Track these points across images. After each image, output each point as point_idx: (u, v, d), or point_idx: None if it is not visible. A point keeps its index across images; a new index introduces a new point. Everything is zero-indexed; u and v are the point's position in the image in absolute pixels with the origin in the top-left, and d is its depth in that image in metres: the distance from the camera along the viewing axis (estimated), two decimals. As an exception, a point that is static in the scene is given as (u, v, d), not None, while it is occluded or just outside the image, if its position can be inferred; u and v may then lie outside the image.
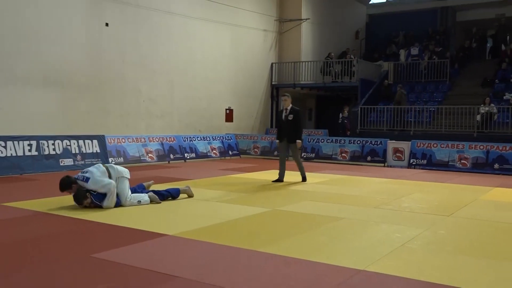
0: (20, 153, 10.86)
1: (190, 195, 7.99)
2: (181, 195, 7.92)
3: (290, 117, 10.14)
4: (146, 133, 15.41)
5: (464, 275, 4.28)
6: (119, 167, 7.32)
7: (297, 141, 10.20)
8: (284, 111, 10.31)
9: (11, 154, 10.71)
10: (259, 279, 4.08)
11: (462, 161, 13.73)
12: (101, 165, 7.22)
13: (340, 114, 18.59)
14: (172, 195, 7.76)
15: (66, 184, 6.84)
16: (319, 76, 21.28)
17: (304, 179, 10.49)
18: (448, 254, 4.93)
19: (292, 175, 11.59)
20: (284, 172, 10.44)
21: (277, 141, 10.68)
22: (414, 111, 18.27)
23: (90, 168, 7.04)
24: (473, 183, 11.03)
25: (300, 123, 10.33)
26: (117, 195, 7.05)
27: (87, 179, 6.78)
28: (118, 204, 7.06)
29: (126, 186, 7.17)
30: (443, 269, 4.42)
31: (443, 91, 20.14)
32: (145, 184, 7.95)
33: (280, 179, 10.36)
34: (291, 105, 10.28)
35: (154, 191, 7.61)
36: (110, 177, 6.99)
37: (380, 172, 13.03)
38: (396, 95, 18.81)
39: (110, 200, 6.87)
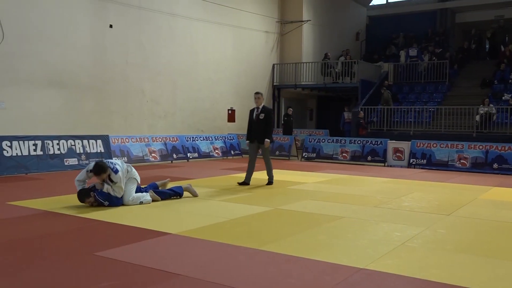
0: (25, 153, 10.96)
1: (194, 194, 8.06)
2: (185, 193, 8.02)
3: (262, 116, 9.67)
4: (149, 133, 15.51)
5: (463, 273, 4.33)
6: (135, 171, 7.47)
7: (266, 140, 9.62)
8: (256, 110, 9.80)
9: (17, 153, 10.81)
10: (260, 277, 4.13)
11: (462, 161, 13.80)
12: (124, 163, 7.38)
13: (345, 114, 18.84)
14: (176, 193, 7.86)
15: (104, 168, 6.93)
16: (320, 77, 21.38)
17: (270, 182, 9.86)
18: (448, 253, 4.99)
19: (286, 174, 11.67)
20: (252, 174, 9.88)
21: (247, 141, 10.06)
22: (414, 111, 18.35)
23: (118, 161, 7.25)
24: (473, 182, 11.08)
25: (271, 122, 9.79)
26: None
27: (116, 170, 6.95)
28: (121, 203, 7.17)
29: (134, 188, 7.33)
30: (443, 267, 4.47)
31: (442, 92, 20.22)
32: (158, 183, 8.06)
33: (246, 182, 9.76)
34: (263, 104, 9.86)
35: (156, 191, 7.71)
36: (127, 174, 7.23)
37: (380, 171, 13.10)
38: (384, 96, 18.97)
39: (115, 193, 7.06)
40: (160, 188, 7.96)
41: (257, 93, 9.95)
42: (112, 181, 6.97)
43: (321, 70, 21.40)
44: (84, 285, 3.87)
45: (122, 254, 4.69)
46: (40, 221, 6.19)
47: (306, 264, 4.49)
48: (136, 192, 7.37)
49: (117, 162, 7.19)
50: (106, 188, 7.00)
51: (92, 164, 7.04)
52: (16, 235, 5.44)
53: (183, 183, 8.72)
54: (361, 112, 18.19)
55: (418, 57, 21.69)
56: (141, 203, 7.32)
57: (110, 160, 7.23)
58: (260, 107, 9.76)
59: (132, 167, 7.46)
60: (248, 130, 10.02)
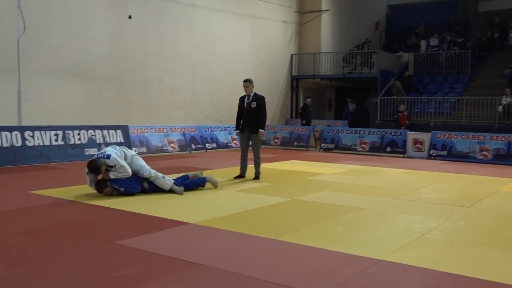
0: (47, 143, 11.19)
1: (214, 184, 8.05)
2: (207, 184, 8.04)
3: (253, 104, 9.13)
4: (168, 123, 15.61)
5: (483, 266, 4.29)
6: (130, 150, 7.64)
7: (260, 130, 9.13)
8: (246, 98, 9.27)
9: (39, 143, 11.04)
10: (277, 267, 4.15)
11: (483, 152, 13.59)
12: (116, 146, 7.50)
13: (349, 105, 18.63)
14: (199, 184, 7.89)
15: (98, 165, 7.01)
16: (339, 67, 21.21)
17: (257, 177, 9.25)
18: (468, 245, 4.94)
19: (304, 165, 11.64)
20: (246, 166, 9.48)
21: (237, 131, 9.55)
22: (434, 102, 18.10)
23: (107, 148, 7.34)
24: (494, 174, 10.92)
25: (264, 111, 9.23)
26: (137, 172, 7.33)
27: (108, 156, 7.02)
28: (139, 189, 7.26)
29: (142, 161, 7.48)
30: (462, 260, 4.43)
31: (464, 82, 19.88)
32: (190, 174, 8.11)
33: (241, 175, 9.40)
34: (254, 91, 9.27)
35: (181, 183, 7.69)
36: (125, 156, 7.30)
37: (399, 163, 12.98)
38: (396, 86, 18.76)
39: (122, 174, 7.12)
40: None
41: (245, 80, 9.32)
42: (111, 166, 7.03)
43: (344, 58, 21.22)
44: (105, 273, 3.93)
45: (142, 243, 4.75)
46: (62, 209, 6.30)
47: (324, 255, 4.49)
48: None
49: (107, 148, 7.28)
50: (113, 174, 7.07)
51: (87, 167, 7.11)
52: (39, 224, 5.54)
53: (205, 173, 8.76)
54: (401, 105, 17.62)
55: (439, 46, 21.35)
56: (163, 177, 7.47)
57: (101, 152, 7.29)
58: (251, 95, 9.24)
59: (127, 148, 7.57)
60: (237, 120, 9.50)
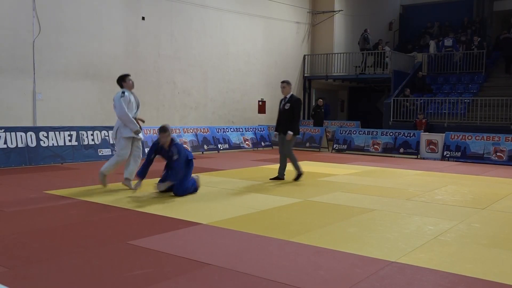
0: (61, 143, 11.31)
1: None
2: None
3: (287, 106, 9.05)
4: (181, 124, 15.68)
5: (498, 269, 4.24)
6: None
7: (288, 132, 8.91)
8: (283, 100, 9.24)
9: (53, 144, 11.17)
10: (289, 268, 4.14)
11: (498, 154, 13.45)
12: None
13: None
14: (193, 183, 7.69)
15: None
16: (351, 68, 21.14)
17: (278, 177, 9.14)
18: (482, 247, 4.89)
19: (316, 166, 11.61)
20: (285, 168, 9.26)
21: (275, 133, 9.42)
22: (448, 102, 17.95)
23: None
24: (509, 176, 10.79)
25: (297, 113, 9.11)
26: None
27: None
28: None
29: (128, 149, 7.83)
30: (476, 262, 4.39)
31: (478, 83, 19.67)
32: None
33: (280, 177, 9.23)
34: (291, 93, 9.22)
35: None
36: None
37: (413, 164, 12.89)
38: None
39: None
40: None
41: (283, 81, 9.33)
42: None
43: (359, 42, 21.21)
44: (118, 273, 3.95)
45: (154, 243, 4.77)
46: (76, 209, 6.35)
47: (336, 256, 4.48)
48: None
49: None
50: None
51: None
52: (53, 223, 5.60)
53: (218, 174, 8.75)
54: (421, 114, 17.24)
55: (453, 47, 21.16)
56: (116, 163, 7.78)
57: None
58: (288, 96, 9.18)
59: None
60: (277, 121, 9.48)
